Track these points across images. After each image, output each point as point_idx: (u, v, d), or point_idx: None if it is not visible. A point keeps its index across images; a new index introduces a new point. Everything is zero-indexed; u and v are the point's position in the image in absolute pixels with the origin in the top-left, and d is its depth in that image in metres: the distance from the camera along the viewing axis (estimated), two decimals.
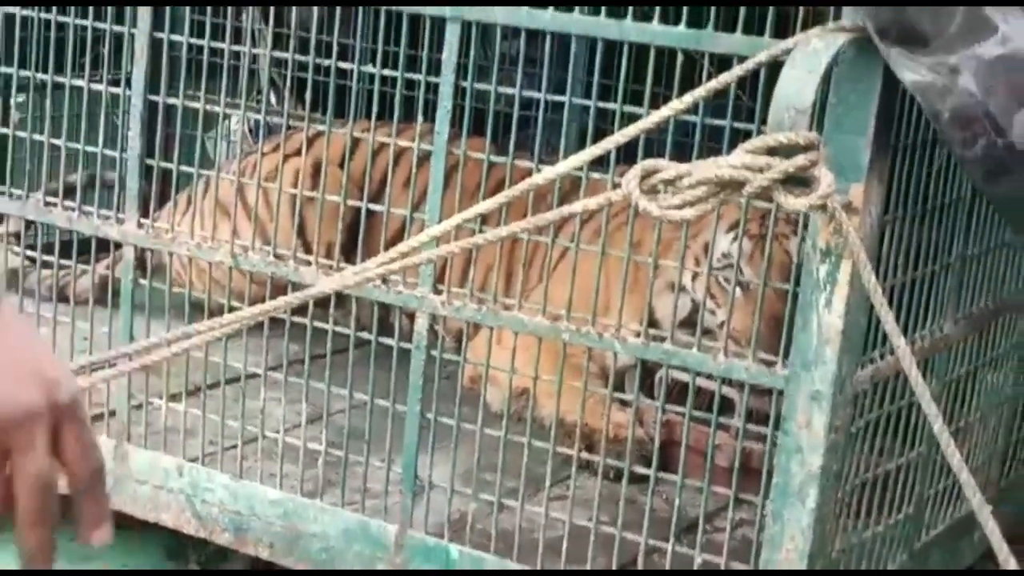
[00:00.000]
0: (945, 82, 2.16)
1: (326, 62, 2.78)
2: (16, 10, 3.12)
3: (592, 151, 2.35)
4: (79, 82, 3.08)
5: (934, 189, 2.57)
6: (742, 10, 2.36)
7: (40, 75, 3.13)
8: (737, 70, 2.27)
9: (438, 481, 2.86)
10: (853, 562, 2.59)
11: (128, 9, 2.97)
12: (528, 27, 2.56)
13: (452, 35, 2.60)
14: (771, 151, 2.15)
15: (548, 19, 2.52)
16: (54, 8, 3.06)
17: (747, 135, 2.41)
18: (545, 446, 2.70)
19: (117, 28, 2.99)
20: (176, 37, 2.93)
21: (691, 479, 2.64)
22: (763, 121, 2.27)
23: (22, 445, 1.11)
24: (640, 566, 2.68)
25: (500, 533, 2.77)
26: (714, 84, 2.28)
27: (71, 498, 1.16)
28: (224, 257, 2.94)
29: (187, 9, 2.90)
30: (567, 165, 2.36)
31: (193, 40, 2.92)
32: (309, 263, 2.86)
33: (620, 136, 2.35)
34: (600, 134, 2.44)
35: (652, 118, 2.32)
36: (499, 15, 2.57)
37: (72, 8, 3.06)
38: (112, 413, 3.15)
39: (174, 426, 3.11)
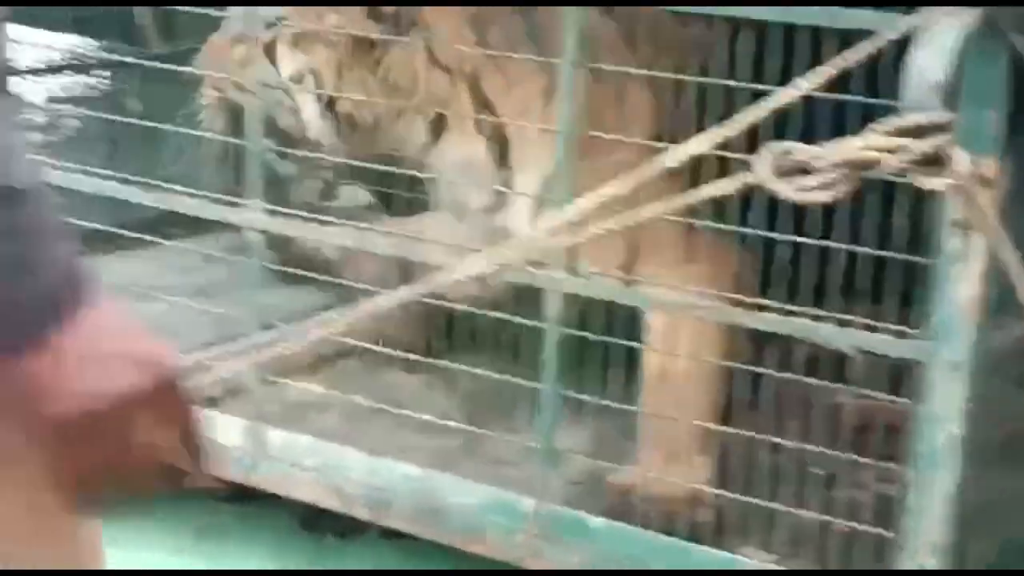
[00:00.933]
0: None
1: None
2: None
3: (722, 131, 2.35)
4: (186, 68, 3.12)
5: None
6: None
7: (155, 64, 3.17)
8: (866, 46, 2.26)
9: (574, 450, 2.91)
10: (996, 522, 2.62)
11: None
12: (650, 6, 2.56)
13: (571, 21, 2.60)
14: (904, 131, 2.16)
15: None
16: None
17: (866, 109, 2.41)
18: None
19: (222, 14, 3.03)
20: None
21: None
22: (889, 97, 2.26)
23: (133, 421, 1.22)
24: None
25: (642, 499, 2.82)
26: (843, 61, 2.28)
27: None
28: (349, 240, 2.99)
29: None
30: (697, 146, 2.37)
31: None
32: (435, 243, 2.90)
33: (751, 116, 2.35)
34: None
35: (782, 97, 2.32)
36: None
37: None
38: (244, 390, 3.23)
39: (306, 401, 3.18)
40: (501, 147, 3.13)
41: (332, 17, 2.96)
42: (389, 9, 2.93)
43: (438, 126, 3.14)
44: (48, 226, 1.19)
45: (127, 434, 1.23)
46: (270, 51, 3.03)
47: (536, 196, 2.94)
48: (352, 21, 2.95)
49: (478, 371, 2.92)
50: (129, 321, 1.25)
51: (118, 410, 1.21)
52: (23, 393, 1.19)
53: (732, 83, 2.55)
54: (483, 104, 3.05)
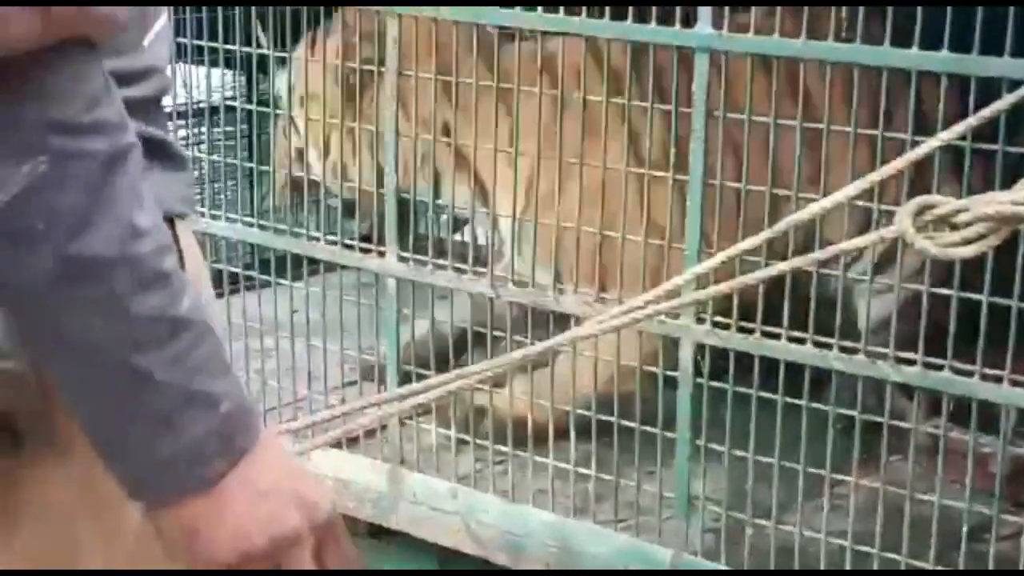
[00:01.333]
0: None
1: (576, 94, 2.78)
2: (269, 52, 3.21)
3: (859, 184, 2.30)
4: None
5: None
6: (1009, 32, 2.27)
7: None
8: (1009, 97, 2.19)
9: (710, 499, 2.87)
10: None
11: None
12: (781, 55, 2.51)
13: (701, 65, 2.57)
14: None
15: (801, 48, 2.47)
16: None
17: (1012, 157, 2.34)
18: (821, 471, 2.68)
19: (366, 67, 3.05)
20: (424, 75, 2.97)
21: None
22: None
23: (290, 562, 1.23)
24: None
25: (778, 550, 2.77)
26: (985, 112, 2.21)
27: None
28: (485, 288, 2.99)
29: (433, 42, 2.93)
30: (838, 197, 2.32)
31: (441, 76, 2.95)
32: (566, 292, 2.89)
33: (889, 168, 2.29)
34: None
35: (921, 148, 2.26)
36: (751, 45, 2.53)
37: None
38: (383, 428, 3.25)
39: (443, 443, 3.19)
40: (483, 192, 3.21)
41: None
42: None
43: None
44: (214, 361, 1.19)
45: (286, 570, 1.24)
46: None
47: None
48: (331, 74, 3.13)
49: (611, 419, 2.89)
50: (287, 459, 1.26)
51: (276, 552, 1.23)
52: (190, 537, 1.21)
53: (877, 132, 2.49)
54: (458, 154, 3.12)
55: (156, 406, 1.16)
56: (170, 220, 1.33)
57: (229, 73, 3.66)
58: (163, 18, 1.39)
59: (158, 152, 1.36)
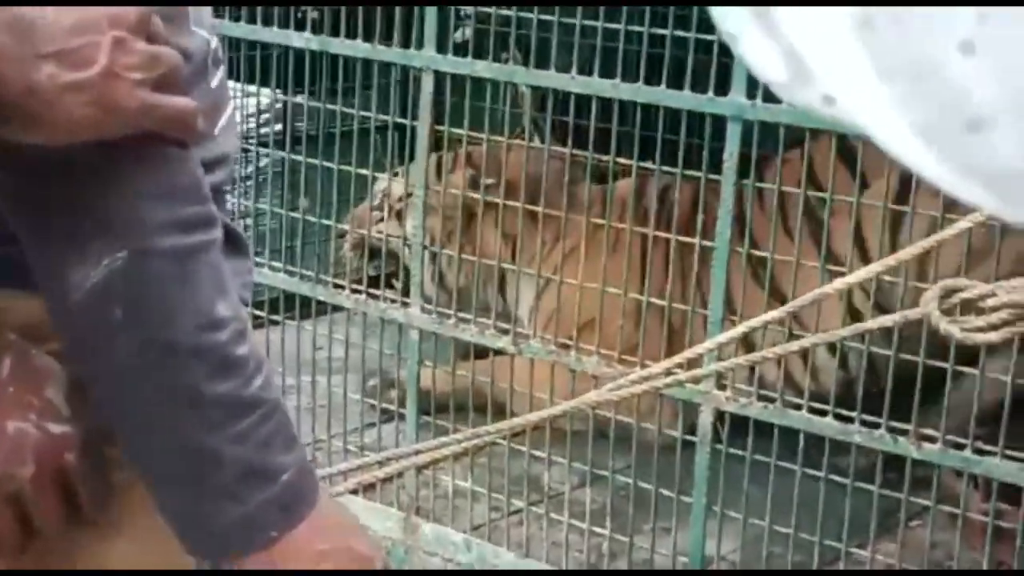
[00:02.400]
0: None
1: (604, 158, 2.80)
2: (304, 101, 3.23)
3: (886, 261, 2.31)
4: (363, 171, 3.18)
5: None
6: None
7: (326, 163, 3.24)
8: None
9: (724, 556, 2.87)
10: None
11: (410, 100, 3.05)
12: (813, 128, 2.53)
13: (733, 134, 2.59)
14: None
15: (830, 121, 2.47)
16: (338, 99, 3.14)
17: None
18: (838, 544, 2.68)
19: (400, 120, 3.08)
20: (457, 130, 2.99)
21: None
22: None
23: None
24: None
25: None
26: None
27: None
28: (506, 345, 3.00)
29: (466, 103, 2.95)
30: (868, 271, 2.33)
31: (473, 133, 2.98)
32: (591, 353, 2.90)
33: (918, 246, 2.30)
34: None
35: (956, 227, 2.26)
36: (783, 115, 2.54)
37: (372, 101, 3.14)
38: (400, 475, 3.26)
39: (458, 491, 3.20)
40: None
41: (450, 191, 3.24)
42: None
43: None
44: (279, 435, 1.24)
45: None
46: (400, 215, 3.36)
47: None
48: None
49: (628, 480, 2.90)
50: (343, 517, 1.32)
51: None
52: None
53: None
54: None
55: (220, 480, 1.22)
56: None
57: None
58: (231, 105, 1.44)
59: (226, 239, 1.39)
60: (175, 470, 1.23)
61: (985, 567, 2.58)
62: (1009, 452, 2.45)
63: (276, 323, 3.34)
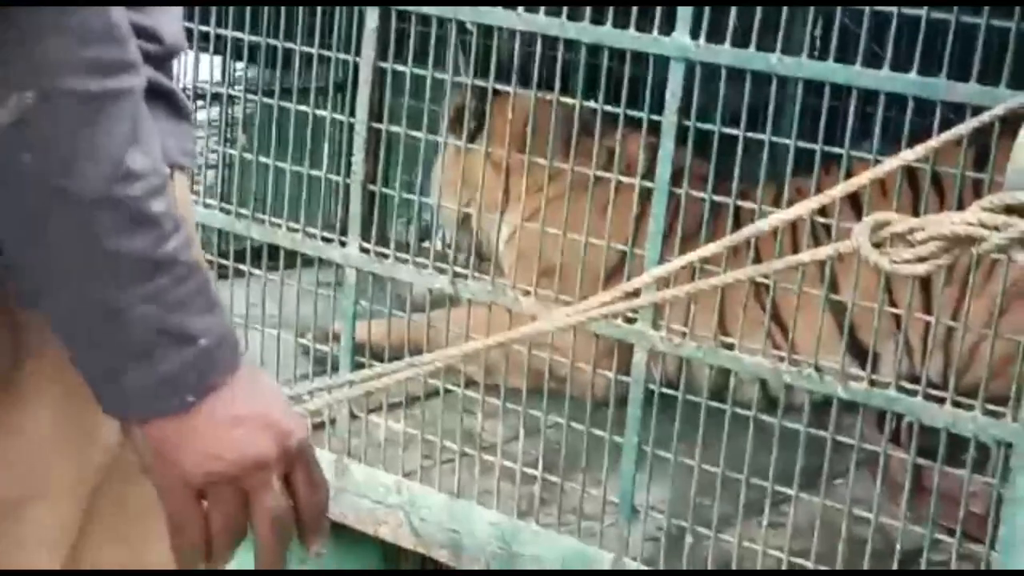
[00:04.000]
0: None
1: (548, 96, 2.81)
2: (244, 36, 3.22)
3: (820, 199, 2.33)
4: (304, 107, 3.17)
5: None
6: (977, 58, 2.31)
7: (266, 99, 3.24)
8: (972, 122, 2.22)
9: (654, 506, 2.89)
10: None
11: (354, 37, 3.04)
12: (755, 69, 2.55)
13: (676, 75, 2.60)
14: (1008, 209, 2.12)
15: (774, 62, 2.50)
16: (280, 35, 3.13)
17: (977, 183, 2.38)
18: (764, 483, 2.71)
19: (342, 55, 3.07)
20: (399, 67, 2.99)
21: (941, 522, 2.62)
22: (997, 171, 2.23)
23: (259, 487, 1.28)
24: None
25: (716, 562, 2.80)
26: (948, 135, 2.25)
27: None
28: (444, 284, 3.01)
29: (410, 39, 2.95)
30: (793, 212, 2.35)
31: (416, 70, 2.97)
32: (528, 293, 2.91)
33: (849, 184, 2.33)
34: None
35: (883, 167, 2.30)
36: (725, 56, 2.56)
37: (298, 35, 3.14)
38: (332, 422, 3.26)
39: (391, 438, 3.20)
40: None
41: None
42: None
43: None
44: (197, 298, 1.23)
45: (253, 498, 1.28)
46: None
47: None
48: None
49: (561, 420, 2.91)
50: (264, 387, 1.30)
51: (244, 475, 1.26)
52: (161, 454, 1.25)
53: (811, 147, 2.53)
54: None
55: (132, 339, 1.20)
56: (168, 170, 1.35)
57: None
58: None
59: (164, 101, 1.38)
60: (86, 327, 1.21)
61: (904, 516, 2.61)
62: (930, 392, 2.49)
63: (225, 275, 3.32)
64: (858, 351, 2.91)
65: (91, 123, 1.15)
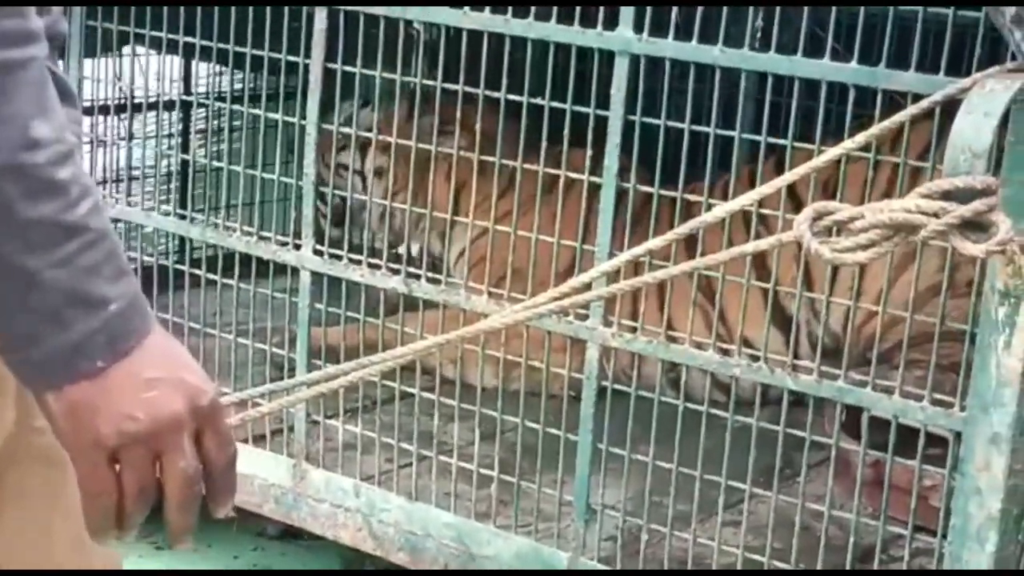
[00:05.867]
0: None
1: (495, 94, 2.80)
2: (195, 40, 3.21)
3: (762, 189, 2.33)
4: (255, 110, 3.16)
5: None
6: (915, 46, 2.31)
7: (219, 104, 3.23)
8: (912, 109, 2.22)
9: (609, 505, 2.88)
10: None
11: (302, 39, 3.03)
12: (697, 62, 2.54)
13: (621, 69, 2.60)
14: (946, 195, 2.11)
15: (717, 54, 2.50)
16: (231, 38, 3.12)
17: (917, 170, 2.38)
18: (717, 478, 2.70)
19: (291, 57, 3.06)
20: (348, 68, 2.97)
21: (896, 516, 2.61)
22: (938, 158, 2.22)
23: (171, 447, 1.29)
24: None
25: (672, 560, 2.79)
26: (888, 123, 2.24)
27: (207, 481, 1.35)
28: (398, 284, 2.99)
29: (359, 40, 2.93)
30: (738, 203, 2.34)
31: (366, 71, 2.96)
32: (481, 292, 2.90)
33: (791, 174, 2.32)
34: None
35: (825, 155, 2.29)
36: (668, 50, 2.56)
37: (247, 38, 3.12)
38: (291, 429, 3.25)
39: (350, 443, 3.18)
40: None
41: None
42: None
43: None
44: (107, 264, 1.24)
45: (165, 458, 1.29)
46: (364, 148, 3.23)
47: None
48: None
49: (516, 419, 2.90)
50: (175, 351, 1.32)
51: (157, 434, 1.28)
52: (75, 418, 1.26)
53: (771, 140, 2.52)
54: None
55: (43, 304, 1.21)
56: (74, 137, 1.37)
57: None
58: None
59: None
60: None
61: (858, 511, 2.60)
62: (879, 382, 2.48)
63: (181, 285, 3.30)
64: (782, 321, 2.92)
65: None
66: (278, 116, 3.15)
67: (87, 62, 3.40)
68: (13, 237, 1.19)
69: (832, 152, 2.27)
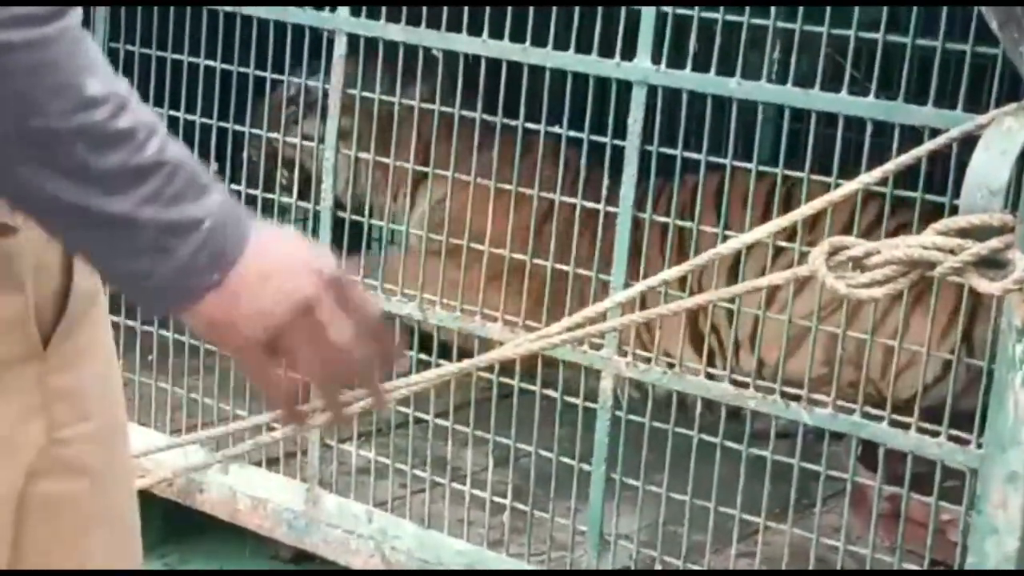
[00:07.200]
0: None
1: (512, 122, 2.80)
2: (199, 60, 3.19)
3: (779, 222, 2.32)
4: (274, 135, 3.16)
5: None
6: (934, 81, 2.30)
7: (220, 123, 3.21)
8: (929, 145, 2.21)
9: (623, 535, 2.87)
10: None
11: (323, 63, 3.03)
12: (715, 94, 2.53)
13: (638, 99, 2.59)
14: (963, 232, 2.10)
15: (734, 86, 2.49)
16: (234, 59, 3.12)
17: (936, 206, 2.37)
18: (732, 511, 2.69)
19: (311, 83, 3.06)
20: (367, 94, 2.98)
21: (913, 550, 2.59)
22: (955, 194, 2.21)
23: (316, 321, 1.33)
24: None
25: None
26: (905, 158, 2.23)
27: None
28: (412, 311, 2.99)
29: (378, 67, 2.94)
30: (753, 235, 2.34)
31: (384, 97, 2.96)
32: (495, 319, 2.89)
33: (808, 208, 2.32)
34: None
35: (841, 190, 2.28)
36: (686, 81, 2.55)
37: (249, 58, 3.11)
38: (304, 453, 3.24)
39: (363, 467, 3.18)
40: None
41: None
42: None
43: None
44: (189, 187, 1.29)
45: (317, 334, 1.34)
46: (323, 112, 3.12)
47: None
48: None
49: (530, 448, 2.89)
50: (282, 239, 1.36)
51: (301, 316, 1.32)
52: (219, 331, 1.33)
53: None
54: None
55: (143, 240, 1.27)
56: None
57: None
58: None
59: None
60: (94, 241, 1.28)
61: (872, 544, 2.58)
62: (896, 418, 2.47)
63: None
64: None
65: (37, 68, 1.20)
66: (296, 140, 3.16)
67: None
68: (96, 189, 1.24)
69: (848, 186, 2.27)
